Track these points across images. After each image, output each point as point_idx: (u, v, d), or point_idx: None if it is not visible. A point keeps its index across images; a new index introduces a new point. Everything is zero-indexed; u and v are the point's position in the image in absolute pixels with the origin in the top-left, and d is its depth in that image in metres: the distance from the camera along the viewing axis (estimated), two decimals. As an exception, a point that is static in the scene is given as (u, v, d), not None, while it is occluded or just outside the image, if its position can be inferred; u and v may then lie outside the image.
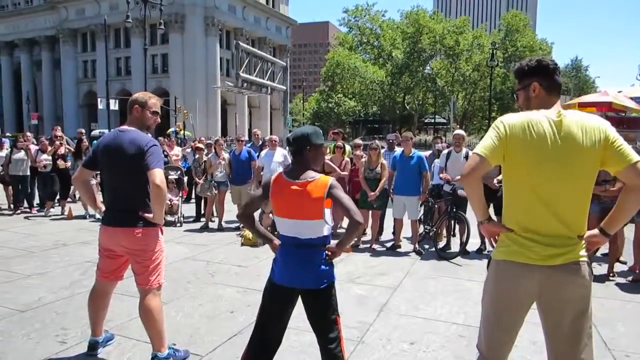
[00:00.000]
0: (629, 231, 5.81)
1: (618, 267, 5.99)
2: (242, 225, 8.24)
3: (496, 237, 2.23)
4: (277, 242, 2.72)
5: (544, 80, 2.17)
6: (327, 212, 2.57)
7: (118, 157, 3.08)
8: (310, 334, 3.58)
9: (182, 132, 32.38)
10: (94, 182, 7.08)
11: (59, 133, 10.18)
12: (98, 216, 8.73)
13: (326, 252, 2.58)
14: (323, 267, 2.59)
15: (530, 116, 2.09)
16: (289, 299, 2.67)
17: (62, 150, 9.64)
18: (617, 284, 5.46)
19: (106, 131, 17.11)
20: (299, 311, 2.78)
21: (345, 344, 2.70)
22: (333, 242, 2.63)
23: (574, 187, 2.05)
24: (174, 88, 47.77)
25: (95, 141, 3.97)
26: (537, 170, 2.04)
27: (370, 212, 7.17)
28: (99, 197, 3.60)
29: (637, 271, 5.58)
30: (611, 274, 5.70)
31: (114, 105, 30.45)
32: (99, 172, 3.78)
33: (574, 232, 2.07)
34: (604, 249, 6.18)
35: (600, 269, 5.87)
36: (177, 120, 34.91)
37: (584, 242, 2.08)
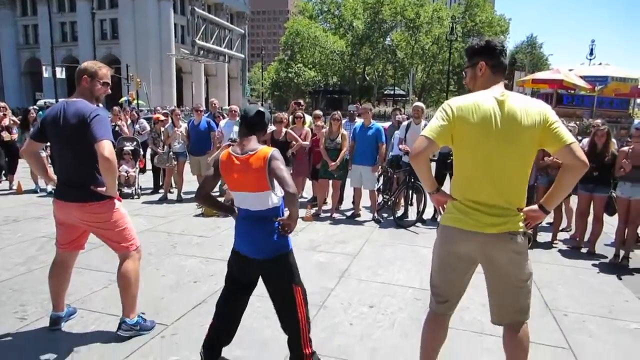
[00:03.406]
0: (574, 203, 6.20)
1: (561, 235, 6.40)
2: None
3: (444, 206, 2.43)
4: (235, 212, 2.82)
5: (491, 60, 2.32)
6: (277, 183, 2.63)
7: (63, 129, 2.98)
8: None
9: (135, 101, 31.26)
10: (44, 154, 6.81)
11: (2, 104, 9.60)
12: (49, 189, 8.51)
13: (279, 226, 2.66)
14: (275, 237, 2.67)
15: (477, 98, 2.25)
16: (249, 266, 2.77)
17: (6, 122, 9.12)
18: (560, 251, 5.86)
19: (53, 101, 16.24)
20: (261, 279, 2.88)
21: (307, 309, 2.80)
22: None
23: (514, 163, 2.22)
24: (126, 55, 45.79)
25: (41, 112, 3.82)
26: (481, 147, 2.20)
27: (330, 181, 7.29)
28: (50, 169, 3.48)
29: (578, 239, 6.01)
30: (554, 242, 6.10)
31: (60, 73, 28.81)
32: (48, 145, 3.65)
33: (512, 205, 2.25)
34: (550, 218, 6.58)
35: (546, 236, 6.26)
36: (129, 90, 33.63)
37: (522, 214, 2.27)
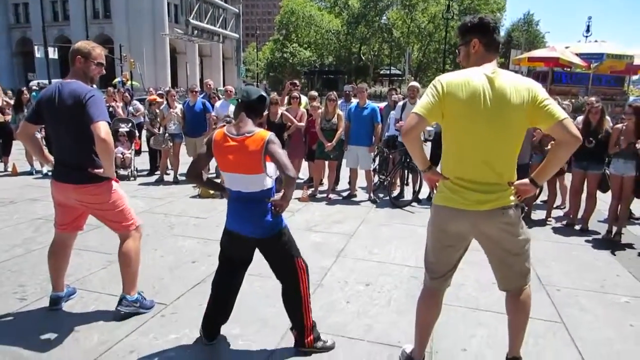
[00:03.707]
0: (569, 181, 6.25)
1: (555, 213, 6.47)
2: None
3: (436, 184, 2.46)
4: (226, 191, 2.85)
5: (484, 38, 2.32)
6: (270, 166, 2.65)
7: (59, 110, 2.96)
8: (272, 280, 3.76)
9: (129, 82, 30.95)
10: (39, 135, 6.78)
11: (-5, 85, 9.52)
12: (45, 171, 8.50)
13: (272, 206, 2.69)
14: (268, 217, 2.70)
15: (468, 74, 2.26)
16: (242, 244, 2.82)
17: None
18: (554, 228, 5.94)
19: (46, 82, 16.05)
20: (260, 257, 2.92)
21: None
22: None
23: (504, 139, 2.25)
24: (119, 35, 45.06)
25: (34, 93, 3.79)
26: (472, 124, 2.22)
27: (327, 162, 7.30)
28: (46, 150, 3.48)
29: (571, 216, 6.08)
30: (548, 219, 6.17)
31: (52, 53, 28.40)
32: (43, 126, 3.64)
33: (503, 180, 2.29)
34: (544, 196, 6.65)
35: (540, 214, 6.33)
36: (123, 70, 33.26)
37: (512, 188, 2.31)
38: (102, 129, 2.85)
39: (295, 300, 2.82)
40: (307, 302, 2.83)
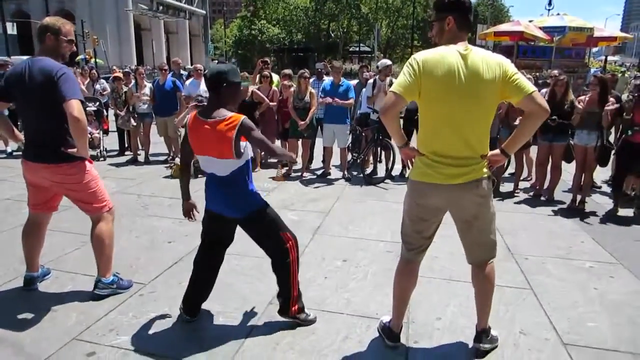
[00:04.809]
0: (534, 153, 6.46)
1: (522, 184, 6.69)
2: (169, 157, 8.08)
3: (412, 160, 2.54)
4: (190, 202, 2.95)
5: (459, 16, 2.36)
6: (243, 146, 2.63)
7: (29, 88, 2.88)
8: (249, 258, 3.80)
9: (92, 60, 29.88)
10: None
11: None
12: (9, 150, 8.20)
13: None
14: (245, 197, 2.73)
15: (442, 51, 2.31)
16: (222, 223, 2.84)
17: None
18: (521, 199, 6.14)
19: (6, 59, 15.35)
20: (238, 237, 2.95)
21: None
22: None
23: (478, 114, 2.33)
24: (80, 11, 43.09)
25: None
26: (446, 100, 2.28)
27: (300, 141, 7.30)
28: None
29: (537, 187, 6.30)
30: (516, 191, 6.38)
31: (11, 29, 27.07)
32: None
33: (477, 153, 2.38)
34: (512, 169, 6.85)
35: (508, 187, 6.53)
36: (85, 47, 32.03)
37: (485, 161, 2.41)
38: (76, 107, 2.78)
39: (284, 272, 2.86)
40: (295, 273, 2.88)
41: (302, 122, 6.94)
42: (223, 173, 2.67)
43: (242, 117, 2.61)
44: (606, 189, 6.72)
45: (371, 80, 7.42)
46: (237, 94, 2.75)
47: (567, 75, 6.31)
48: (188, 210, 2.94)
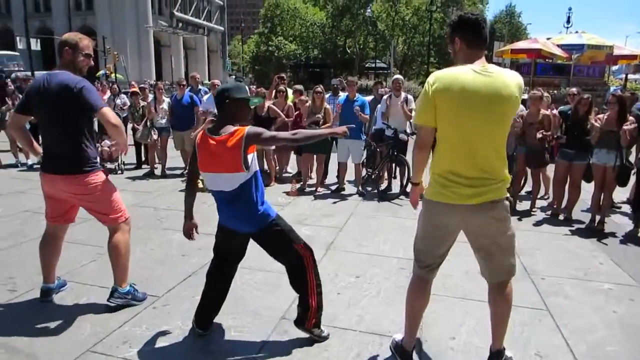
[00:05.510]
0: (552, 172, 6.37)
1: (540, 203, 6.60)
2: (185, 171, 8.17)
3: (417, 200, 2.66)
4: (191, 222, 2.97)
5: (465, 36, 2.36)
6: (250, 159, 2.66)
7: (48, 101, 2.97)
8: (262, 272, 3.81)
9: (112, 75, 30.50)
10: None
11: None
12: (30, 163, 8.38)
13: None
14: (255, 211, 2.73)
15: (457, 71, 2.31)
16: (237, 238, 2.87)
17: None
18: (538, 218, 6.05)
19: (29, 74, 15.81)
20: (250, 252, 2.97)
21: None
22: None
23: (494, 134, 2.33)
24: (102, 27, 44.34)
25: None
26: (462, 120, 2.28)
27: (315, 156, 7.32)
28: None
29: (555, 206, 6.20)
30: (533, 210, 6.29)
31: (35, 45, 27.83)
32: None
33: (494, 174, 2.35)
34: (529, 187, 6.77)
35: (525, 205, 6.44)
36: (106, 63, 32.74)
37: (503, 182, 2.38)
38: (110, 115, 2.99)
39: (301, 282, 2.86)
40: (312, 283, 2.86)
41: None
42: (231, 187, 2.67)
43: (247, 127, 2.65)
44: (626, 209, 6.59)
45: (385, 97, 7.44)
46: (242, 110, 2.77)
47: (586, 93, 6.25)
48: (188, 230, 2.97)
